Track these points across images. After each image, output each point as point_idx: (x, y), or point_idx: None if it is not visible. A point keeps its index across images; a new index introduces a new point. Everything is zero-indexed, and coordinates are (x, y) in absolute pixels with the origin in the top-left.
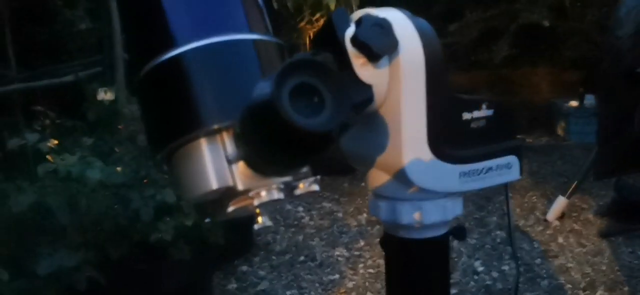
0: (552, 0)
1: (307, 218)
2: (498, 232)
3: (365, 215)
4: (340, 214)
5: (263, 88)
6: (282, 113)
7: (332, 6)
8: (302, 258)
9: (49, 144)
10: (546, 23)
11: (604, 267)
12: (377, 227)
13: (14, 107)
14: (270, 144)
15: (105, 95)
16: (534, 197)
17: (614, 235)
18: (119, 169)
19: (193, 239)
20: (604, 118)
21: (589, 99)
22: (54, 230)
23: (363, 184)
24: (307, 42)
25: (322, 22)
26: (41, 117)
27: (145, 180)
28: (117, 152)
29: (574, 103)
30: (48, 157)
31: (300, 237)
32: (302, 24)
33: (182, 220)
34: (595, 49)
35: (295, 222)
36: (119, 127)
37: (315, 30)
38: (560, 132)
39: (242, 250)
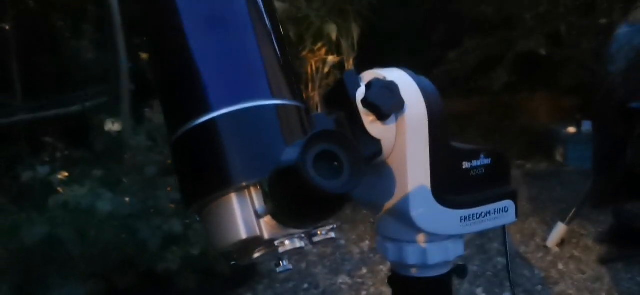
0: (549, 28)
1: (310, 246)
2: (499, 259)
3: (367, 242)
4: (342, 241)
5: (289, 154)
6: (307, 179)
7: (333, 36)
8: (305, 286)
9: (59, 176)
10: (543, 51)
11: (603, 294)
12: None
13: (20, 137)
14: (296, 203)
15: (112, 126)
16: (533, 224)
17: (614, 262)
18: (127, 199)
19: (199, 268)
20: (598, 150)
21: (587, 125)
22: (65, 261)
23: (365, 211)
24: (309, 71)
25: (323, 50)
26: (50, 149)
27: (152, 210)
28: (124, 182)
29: (571, 129)
30: (58, 189)
31: (304, 265)
32: (304, 53)
33: (188, 250)
34: (592, 75)
35: (298, 250)
36: (125, 156)
37: (316, 59)
38: (559, 157)
39: (246, 279)
